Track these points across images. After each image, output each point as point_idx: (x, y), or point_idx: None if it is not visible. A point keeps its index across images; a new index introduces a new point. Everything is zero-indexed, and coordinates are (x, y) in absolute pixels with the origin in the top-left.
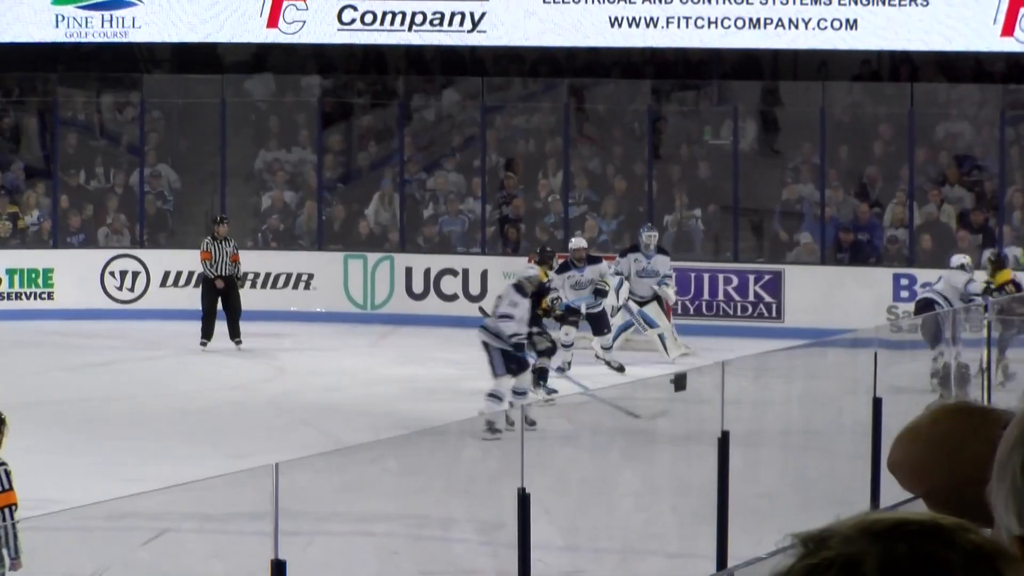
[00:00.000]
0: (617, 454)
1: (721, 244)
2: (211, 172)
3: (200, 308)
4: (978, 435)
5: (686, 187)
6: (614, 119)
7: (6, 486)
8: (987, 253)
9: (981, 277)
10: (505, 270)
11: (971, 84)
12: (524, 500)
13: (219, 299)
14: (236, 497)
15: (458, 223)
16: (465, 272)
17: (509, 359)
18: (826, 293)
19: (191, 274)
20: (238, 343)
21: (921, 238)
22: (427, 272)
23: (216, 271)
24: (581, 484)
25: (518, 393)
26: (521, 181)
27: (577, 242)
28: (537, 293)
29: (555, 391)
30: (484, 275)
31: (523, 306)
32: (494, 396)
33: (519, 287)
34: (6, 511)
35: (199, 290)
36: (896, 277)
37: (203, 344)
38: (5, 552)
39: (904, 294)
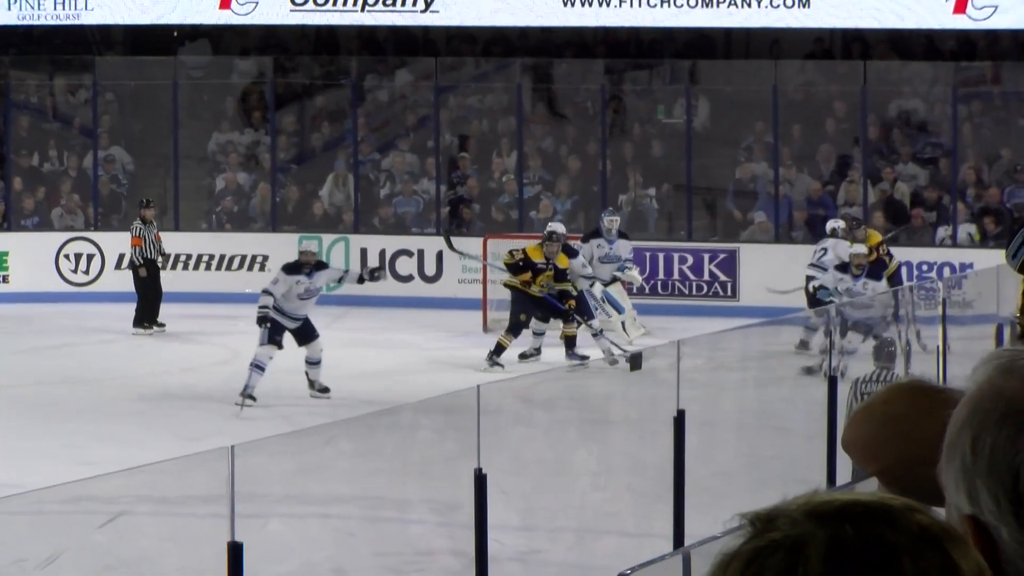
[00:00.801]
0: (573, 434)
1: (675, 223)
2: (164, 155)
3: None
4: (931, 414)
5: (640, 166)
6: (567, 99)
7: None
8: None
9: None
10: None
11: (923, 62)
12: (480, 480)
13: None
14: (191, 480)
15: (412, 204)
16: (420, 252)
17: (275, 330)
18: (781, 271)
19: (145, 257)
20: (161, 326)
21: (874, 216)
22: (382, 253)
23: (146, 255)
24: (537, 464)
25: (311, 363)
26: (475, 161)
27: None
28: (524, 267)
29: (587, 356)
30: (439, 256)
31: (284, 282)
32: (255, 366)
33: (287, 265)
34: None
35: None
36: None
37: (152, 328)
38: None
39: (858, 271)
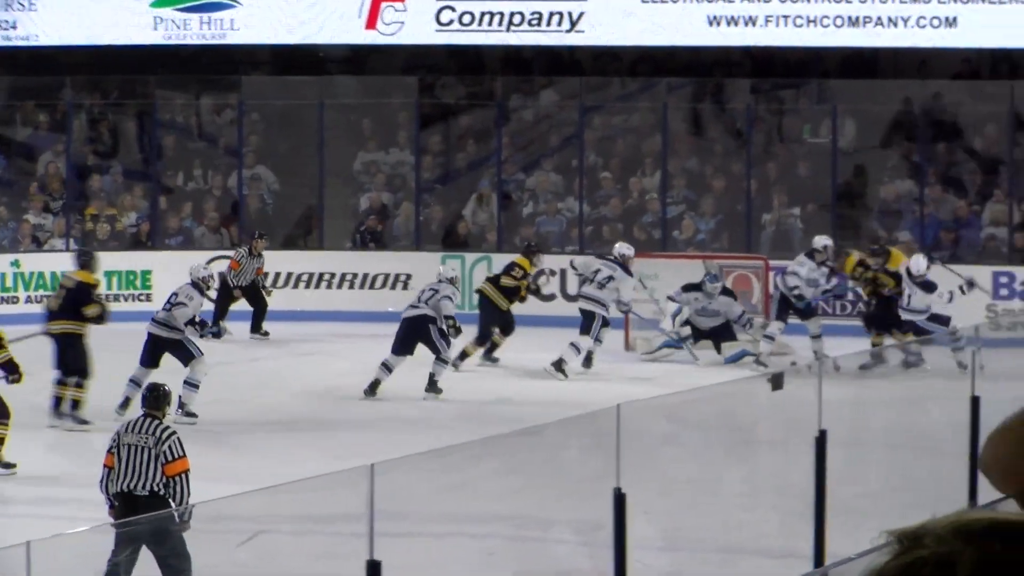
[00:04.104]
0: (718, 454)
1: None
2: (310, 174)
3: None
4: None
5: (785, 186)
6: (713, 118)
7: (179, 453)
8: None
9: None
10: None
11: None
12: (620, 500)
13: (233, 301)
14: (333, 498)
15: (556, 223)
16: (562, 272)
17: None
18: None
19: (289, 275)
20: (265, 334)
21: (1018, 237)
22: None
23: (238, 281)
24: (681, 484)
25: (189, 383)
26: (618, 180)
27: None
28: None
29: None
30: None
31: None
32: (131, 380)
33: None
34: (181, 477)
35: (296, 292)
36: (996, 275)
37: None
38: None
39: (1004, 292)
